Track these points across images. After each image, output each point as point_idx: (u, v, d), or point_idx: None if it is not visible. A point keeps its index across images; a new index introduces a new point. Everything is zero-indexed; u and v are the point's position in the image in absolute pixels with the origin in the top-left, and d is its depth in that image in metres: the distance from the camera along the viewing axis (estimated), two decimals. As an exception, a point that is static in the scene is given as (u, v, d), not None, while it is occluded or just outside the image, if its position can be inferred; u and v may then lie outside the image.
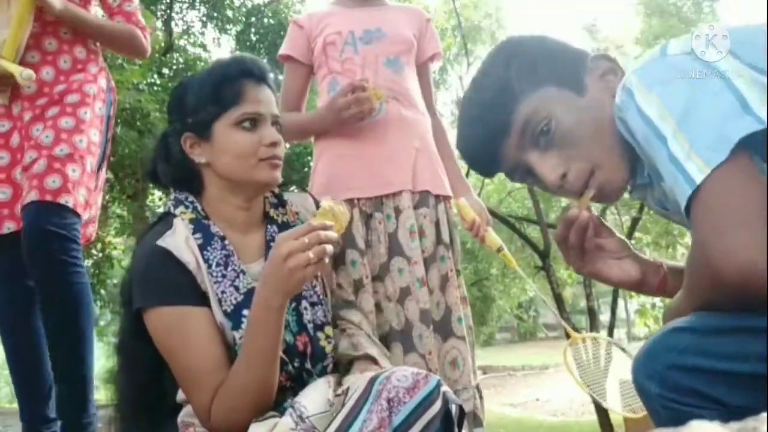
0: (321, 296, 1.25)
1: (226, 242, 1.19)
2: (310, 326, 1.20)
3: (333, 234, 1.03)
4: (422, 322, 1.52)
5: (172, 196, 1.25)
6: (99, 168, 1.75)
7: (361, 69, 1.64)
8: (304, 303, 1.21)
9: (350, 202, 1.58)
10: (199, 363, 1.10)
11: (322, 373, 1.19)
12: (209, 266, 1.15)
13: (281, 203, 1.33)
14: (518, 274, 8.82)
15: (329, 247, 1.01)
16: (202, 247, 1.17)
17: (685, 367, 0.79)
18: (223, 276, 1.15)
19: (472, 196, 1.74)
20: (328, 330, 1.22)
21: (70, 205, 1.58)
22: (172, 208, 1.22)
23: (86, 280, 1.62)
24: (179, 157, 1.23)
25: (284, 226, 1.27)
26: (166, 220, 1.21)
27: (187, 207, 1.21)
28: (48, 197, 1.55)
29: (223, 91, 1.21)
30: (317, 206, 1.27)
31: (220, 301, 1.14)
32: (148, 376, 1.20)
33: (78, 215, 1.61)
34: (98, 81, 1.79)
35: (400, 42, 1.69)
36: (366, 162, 1.60)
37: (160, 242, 1.15)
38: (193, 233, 1.18)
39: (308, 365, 1.18)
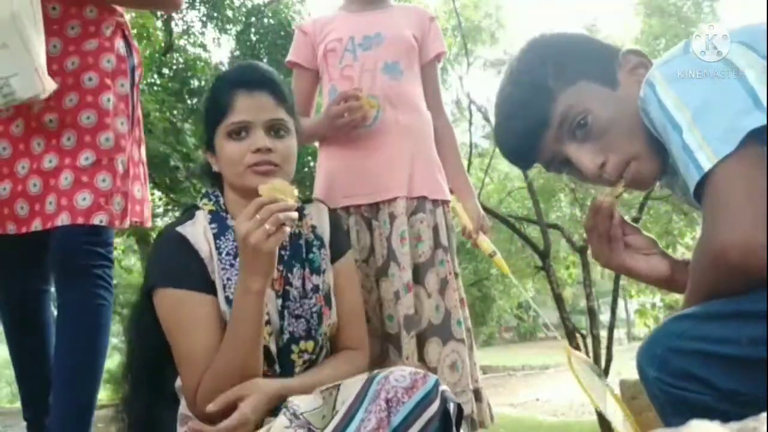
0: (313, 310, 1.24)
1: None
2: (285, 336, 1.21)
3: (284, 203, 1.07)
4: (405, 327, 1.52)
5: (204, 191, 1.34)
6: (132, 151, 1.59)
7: (359, 76, 1.65)
8: (287, 312, 1.22)
9: (351, 208, 1.62)
10: (196, 346, 1.14)
11: None
12: (220, 254, 1.20)
13: (300, 215, 1.33)
14: (518, 274, 8.82)
15: (284, 215, 1.05)
16: (216, 236, 1.22)
17: (683, 351, 0.82)
18: (231, 265, 1.20)
19: (471, 200, 1.73)
20: (305, 345, 1.22)
21: (105, 223, 1.47)
22: (198, 201, 1.31)
23: (111, 302, 1.53)
24: (206, 167, 1.35)
25: (295, 237, 1.29)
26: (190, 212, 1.29)
27: (210, 200, 1.29)
28: (80, 220, 1.44)
29: (216, 104, 1.27)
30: (330, 218, 1.36)
31: (225, 287, 1.18)
32: (153, 358, 1.23)
33: (113, 228, 1.52)
34: (115, 46, 1.58)
35: (399, 44, 1.70)
36: (364, 170, 1.62)
37: (180, 229, 1.22)
38: (210, 223, 1.24)
39: (277, 370, 1.20)
